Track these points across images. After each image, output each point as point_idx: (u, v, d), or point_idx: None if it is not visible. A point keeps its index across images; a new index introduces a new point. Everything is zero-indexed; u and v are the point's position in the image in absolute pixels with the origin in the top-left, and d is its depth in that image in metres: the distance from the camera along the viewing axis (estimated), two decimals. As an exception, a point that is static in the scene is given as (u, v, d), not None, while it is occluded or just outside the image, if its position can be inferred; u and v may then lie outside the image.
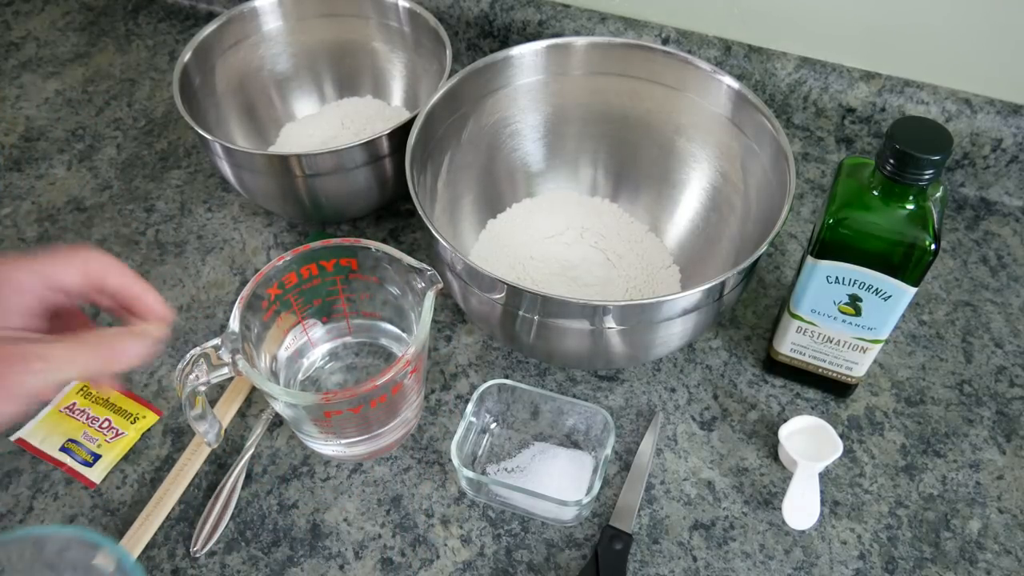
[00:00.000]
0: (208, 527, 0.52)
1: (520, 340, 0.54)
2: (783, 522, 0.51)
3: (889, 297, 0.49)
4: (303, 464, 0.56)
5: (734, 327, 0.63)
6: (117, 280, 0.41)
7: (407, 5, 0.71)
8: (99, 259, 0.40)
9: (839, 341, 0.53)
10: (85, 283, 0.40)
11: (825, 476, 0.54)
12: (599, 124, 0.67)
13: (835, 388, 0.58)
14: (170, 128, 0.80)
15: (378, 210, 0.71)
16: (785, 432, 0.54)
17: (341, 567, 0.51)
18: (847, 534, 0.52)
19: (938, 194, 0.46)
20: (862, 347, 0.53)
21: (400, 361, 0.46)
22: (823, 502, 0.53)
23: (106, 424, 0.57)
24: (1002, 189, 0.71)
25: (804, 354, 0.56)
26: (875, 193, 0.46)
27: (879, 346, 0.53)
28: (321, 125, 0.76)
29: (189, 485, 0.54)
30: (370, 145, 0.60)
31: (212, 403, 0.58)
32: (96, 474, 0.55)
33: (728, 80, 0.59)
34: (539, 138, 0.68)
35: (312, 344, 0.58)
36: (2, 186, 0.74)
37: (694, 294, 0.48)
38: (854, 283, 0.49)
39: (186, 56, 0.66)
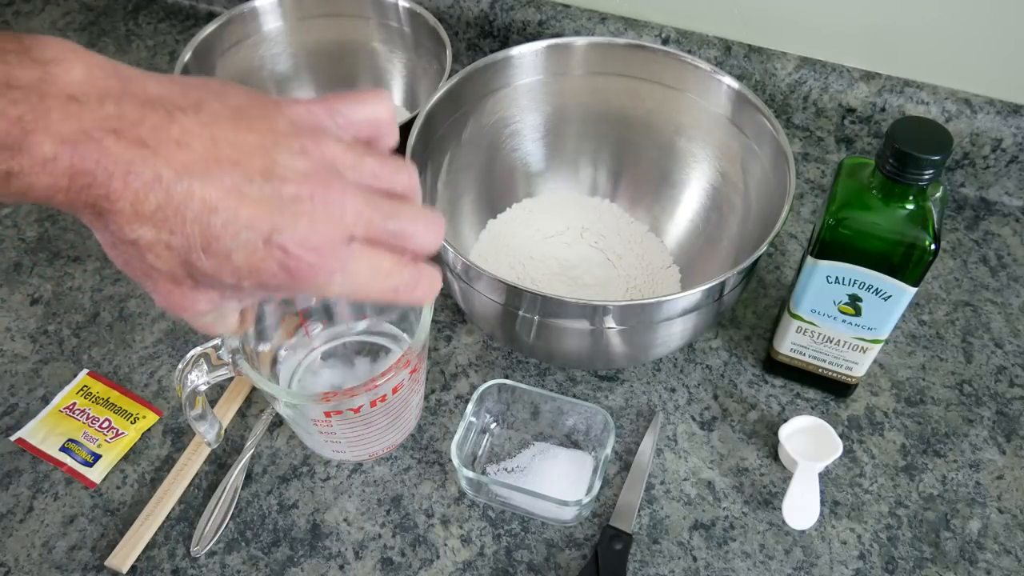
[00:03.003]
0: (208, 527, 0.52)
1: (520, 340, 0.54)
2: (783, 522, 0.51)
3: (889, 297, 0.49)
4: (303, 464, 0.56)
5: (734, 327, 0.63)
6: (388, 141, 0.35)
7: (407, 5, 0.71)
8: (388, 108, 0.34)
9: (839, 341, 0.53)
10: (366, 129, 0.34)
11: (825, 476, 0.54)
12: (599, 124, 0.67)
13: (835, 388, 0.58)
14: (170, 128, 0.80)
15: (378, 210, 0.71)
16: (785, 432, 0.54)
17: (341, 567, 0.51)
18: (847, 534, 0.52)
19: (938, 194, 0.46)
20: (862, 347, 0.53)
21: (400, 361, 0.46)
22: (823, 502, 0.53)
23: (106, 424, 0.57)
24: (1002, 189, 0.71)
25: (804, 354, 0.56)
26: (875, 193, 0.46)
27: (879, 346, 0.53)
28: (321, 125, 0.76)
29: (189, 485, 0.54)
30: (370, 145, 0.59)
31: (212, 403, 0.58)
32: (96, 474, 0.55)
33: (728, 80, 0.59)
34: (539, 138, 0.68)
35: (312, 344, 0.58)
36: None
37: (694, 294, 0.48)
38: (854, 283, 0.49)
39: (186, 56, 0.66)
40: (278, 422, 0.57)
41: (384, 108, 0.34)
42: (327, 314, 0.57)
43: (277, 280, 0.30)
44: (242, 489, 0.54)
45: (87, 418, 0.57)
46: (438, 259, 0.53)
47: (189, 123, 0.29)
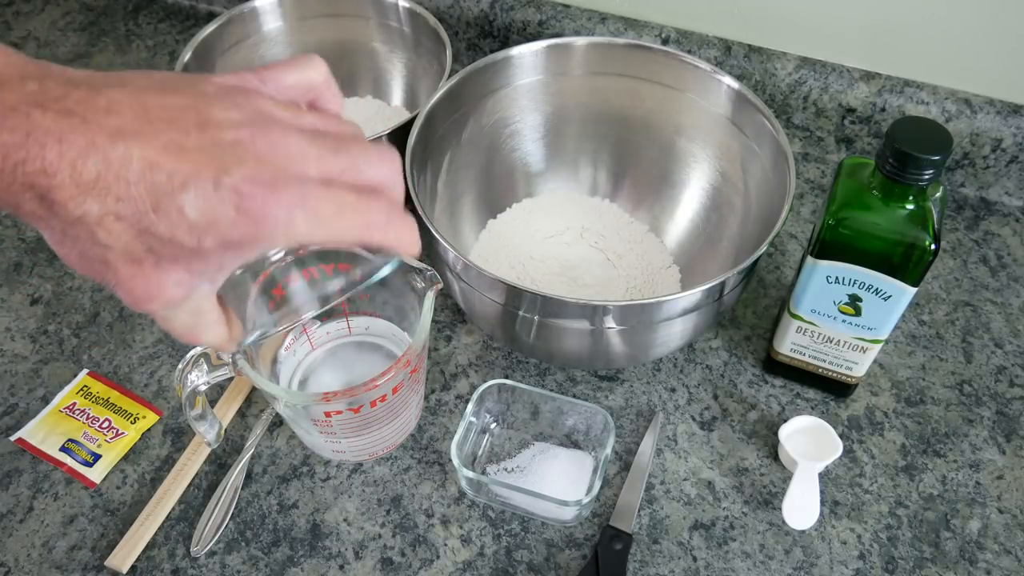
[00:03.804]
0: (208, 527, 0.52)
1: (520, 340, 0.54)
2: (783, 522, 0.51)
3: (889, 297, 0.49)
4: (303, 464, 0.56)
5: (734, 327, 0.63)
6: (398, 236, 0.34)
7: (407, 5, 0.71)
8: (381, 218, 0.33)
9: (839, 341, 0.53)
10: (301, 93, 0.34)
11: (825, 476, 0.54)
12: (599, 124, 0.67)
13: (835, 388, 0.58)
14: (170, 128, 0.80)
15: (378, 210, 0.71)
16: (785, 432, 0.54)
17: (341, 567, 0.51)
18: (847, 534, 0.52)
19: (938, 194, 0.46)
20: (862, 347, 0.53)
21: (400, 361, 0.46)
22: (823, 502, 0.53)
23: (106, 424, 0.57)
24: (1002, 189, 0.71)
25: (804, 354, 0.56)
26: (875, 193, 0.46)
27: (879, 346, 0.53)
28: (321, 125, 0.76)
29: (189, 485, 0.54)
30: (370, 145, 0.59)
31: (212, 403, 0.58)
32: (96, 474, 0.55)
33: (728, 80, 0.59)
34: (539, 138, 0.68)
35: (312, 344, 0.58)
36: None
37: (694, 294, 0.48)
38: (854, 283, 0.49)
39: (186, 56, 0.66)
40: (278, 422, 0.57)
41: (316, 71, 0.34)
42: (326, 312, 0.57)
43: (238, 229, 0.29)
44: (242, 489, 0.54)
45: (87, 418, 0.57)
46: (438, 258, 0.53)
47: (116, 94, 0.28)
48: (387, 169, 0.33)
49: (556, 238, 0.66)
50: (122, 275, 0.30)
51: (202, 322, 0.34)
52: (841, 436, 0.55)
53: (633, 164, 0.68)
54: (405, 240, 0.33)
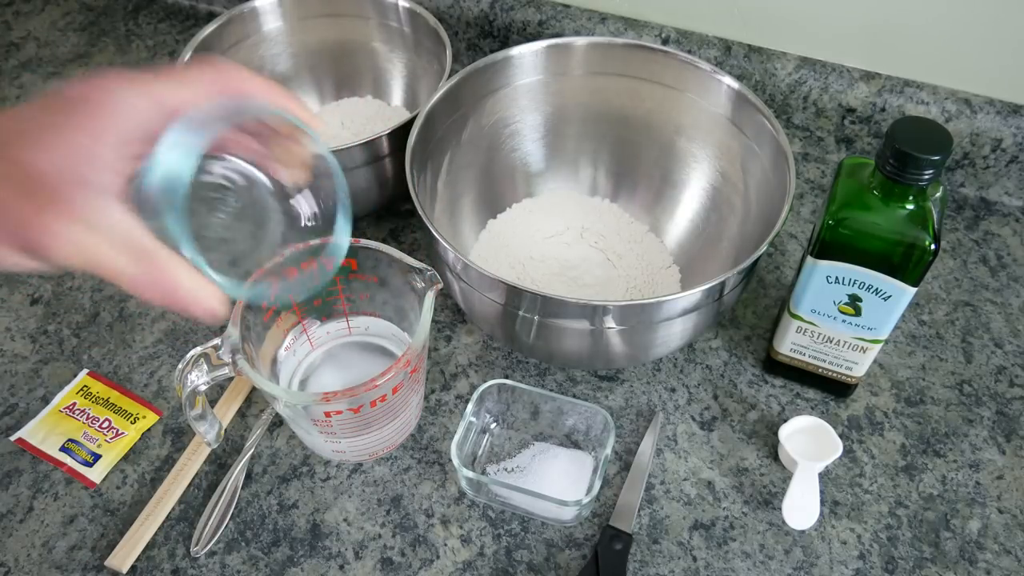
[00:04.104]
0: (208, 527, 0.52)
1: (520, 340, 0.54)
2: (783, 522, 0.51)
3: (889, 297, 0.49)
4: (303, 464, 0.56)
5: (734, 327, 0.63)
6: (258, 91, 0.35)
7: (407, 5, 0.71)
8: (232, 73, 0.34)
9: (839, 341, 0.53)
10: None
11: (825, 476, 0.54)
12: (599, 124, 0.67)
13: (835, 388, 0.58)
14: (170, 128, 0.80)
15: (378, 210, 0.71)
16: (785, 432, 0.54)
17: (341, 567, 0.51)
18: (847, 534, 0.52)
19: (938, 194, 0.46)
20: (862, 347, 0.53)
21: (400, 361, 0.46)
22: (823, 502, 0.53)
23: (106, 424, 0.57)
24: (1002, 189, 0.71)
25: (804, 354, 0.56)
26: (875, 193, 0.46)
27: (879, 346, 0.53)
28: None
29: (189, 485, 0.54)
30: (370, 145, 0.60)
31: (212, 403, 0.58)
32: (96, 474, 0.55)
33: (728, 80, 0.59)
34: (539, 138, 0.68)
35: (312, 344, 0.58)
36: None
37: (694, 294, 0.48)
38: (854, 283, 0.49)
39: (186, 56, 0.66)
40: (278, 422, 0.57)
41: None
42: (325, 312, 0.57)
43: (89, 111, 0.32)
44: (242, 489, 0.54)
45: (87, 418, 0.57)
46: (438, 258, 0.53)
47: None
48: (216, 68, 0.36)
49: (556, 238, 0.66)
50: (29, 214, 0.31)
51: (158, 262, 0.33)
52: (841, 436, 0.55)
53: (633, 164, 0.68)
54: (263, 90, 0.36)
